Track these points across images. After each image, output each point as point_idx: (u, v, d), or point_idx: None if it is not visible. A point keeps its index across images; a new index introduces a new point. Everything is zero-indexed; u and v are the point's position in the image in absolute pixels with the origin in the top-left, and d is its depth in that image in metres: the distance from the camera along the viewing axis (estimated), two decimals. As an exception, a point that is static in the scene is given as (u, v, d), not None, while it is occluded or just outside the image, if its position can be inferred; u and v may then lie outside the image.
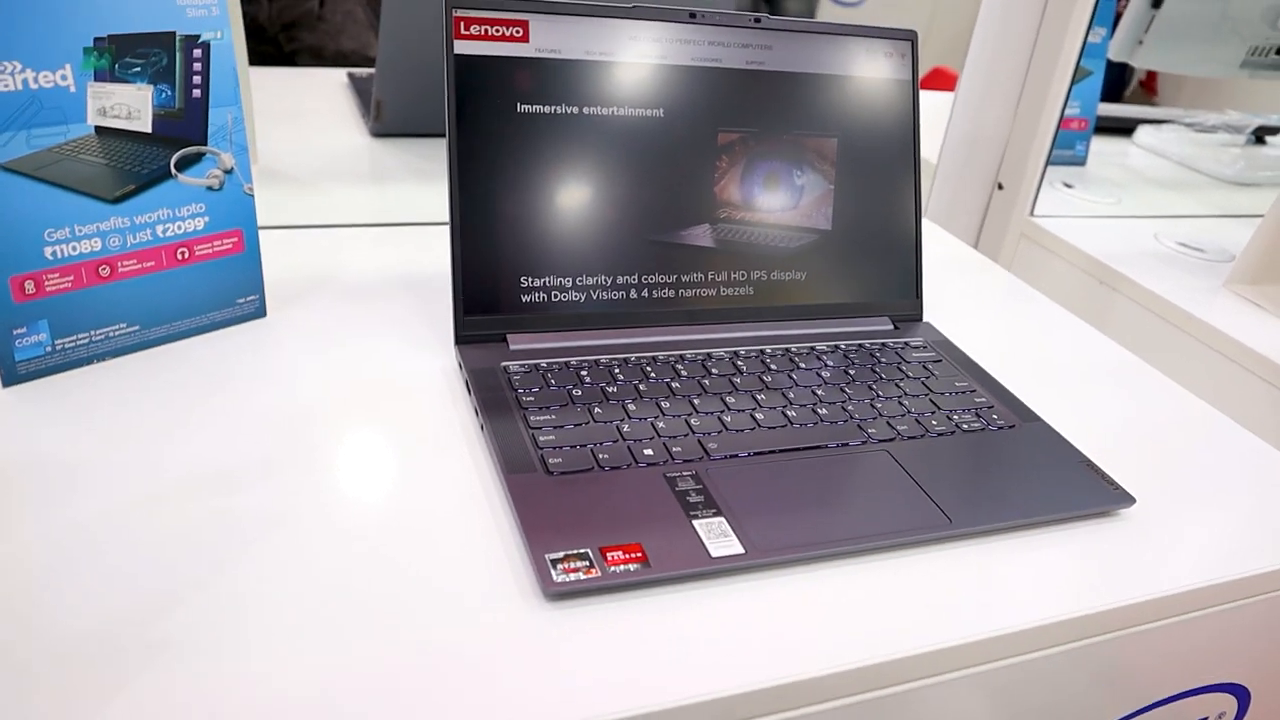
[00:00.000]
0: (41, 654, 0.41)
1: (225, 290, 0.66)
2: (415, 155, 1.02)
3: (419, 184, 0.95)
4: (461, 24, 0.64)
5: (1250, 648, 0.63)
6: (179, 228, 0.62)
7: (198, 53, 0.60)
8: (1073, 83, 1.10)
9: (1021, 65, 1.12)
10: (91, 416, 0.57)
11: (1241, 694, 0.66)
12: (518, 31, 0.65)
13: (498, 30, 0.64)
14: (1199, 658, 0.61)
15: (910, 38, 0.76)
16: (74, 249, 0.58)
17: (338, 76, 1.24)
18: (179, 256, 0.63)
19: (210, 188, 0.63)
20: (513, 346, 0.64)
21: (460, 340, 0.64)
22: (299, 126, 1.07)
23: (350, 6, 1.48)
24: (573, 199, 0.66)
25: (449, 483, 0.55)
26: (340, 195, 0.91)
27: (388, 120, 1.04)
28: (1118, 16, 1.32)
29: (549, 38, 0.66)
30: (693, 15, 0.69)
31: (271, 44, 1.48)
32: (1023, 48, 1.11)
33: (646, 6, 0.68)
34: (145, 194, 0.61)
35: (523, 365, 0.62)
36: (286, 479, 0.53)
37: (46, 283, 0.58)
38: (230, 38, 0.61)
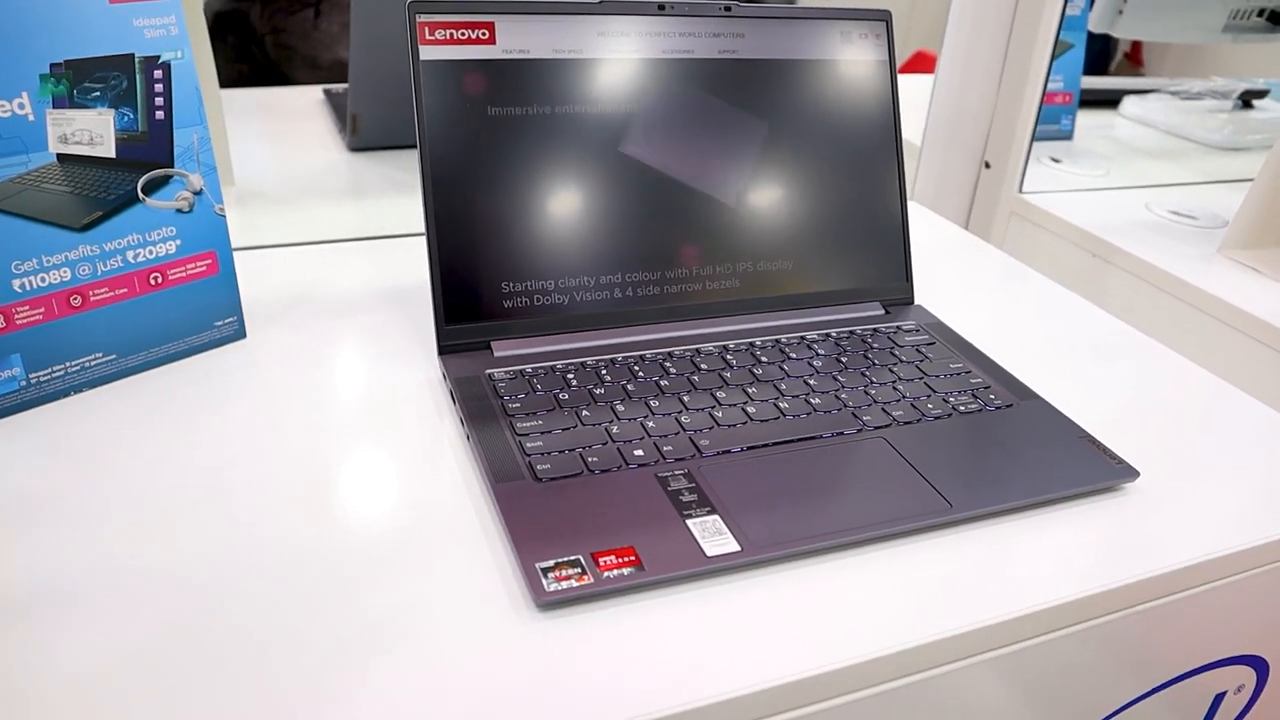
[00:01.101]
0: (33, 693, 0.40)
1: (202, 314, 0.65)
2: (393, 167, 1.01)
3: (398, 196, 0.94)
4: (426, 29, 0.63)
5: (1266, 618, 0.62)
6: (150, 252, 0.61)
7: (158, 74, 0.59)
8: (1053, 57, 1.08)
9: (1001, 42, 1.11)
10: (71, 449, 0.55)
11: (1260, 665, 0.64)
12: (483, 34, 0.64)
13: (463, 33, 0.63)
14: (1214, 631, 0.60)
15: (885, 18, 0.74)
16: (43, 280, 0.57)
17: (313, 94, 1.23)
18: (152, 282, 0.62)
19: (180, 210, 0.62)
20: (497, 353, 0.63)
21: (443, 350, 0.63)
22: (276, 145, 1.07)
23: (348, 18, 1.46)
24: (550, 200, 0.65)
25: (438, 495, 0.53)
26: (319, 212, 0.90)
27: (364, 134, 1.03)
28: (1096, -12, 1.31)
29: (516, 38, 0.64)
30: (661, 7, 0.68)
31: (258, 45, 1.45)
32: (1001, 24, 1.09)
33: (614, 1, 0.67)
34: (113, 220, 0.59)
35: (507, 372, 0.61)
36: (272, 501, 0.52)
37: (16, 316, 0.57)
38: (191, 57, 0.60)
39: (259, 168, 0.98)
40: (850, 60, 0.73)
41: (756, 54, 0.70)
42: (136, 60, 0.58)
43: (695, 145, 0.68)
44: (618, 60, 0.67)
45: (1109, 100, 1.53)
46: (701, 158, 0.69)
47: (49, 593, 0.45)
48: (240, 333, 0.67)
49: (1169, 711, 0.62)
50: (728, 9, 0.69)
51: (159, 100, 0.60)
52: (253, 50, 1.45)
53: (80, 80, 0.56)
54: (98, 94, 0.57)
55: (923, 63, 2.17)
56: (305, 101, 1.21)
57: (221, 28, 1.44)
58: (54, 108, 0.56)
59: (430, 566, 0.48)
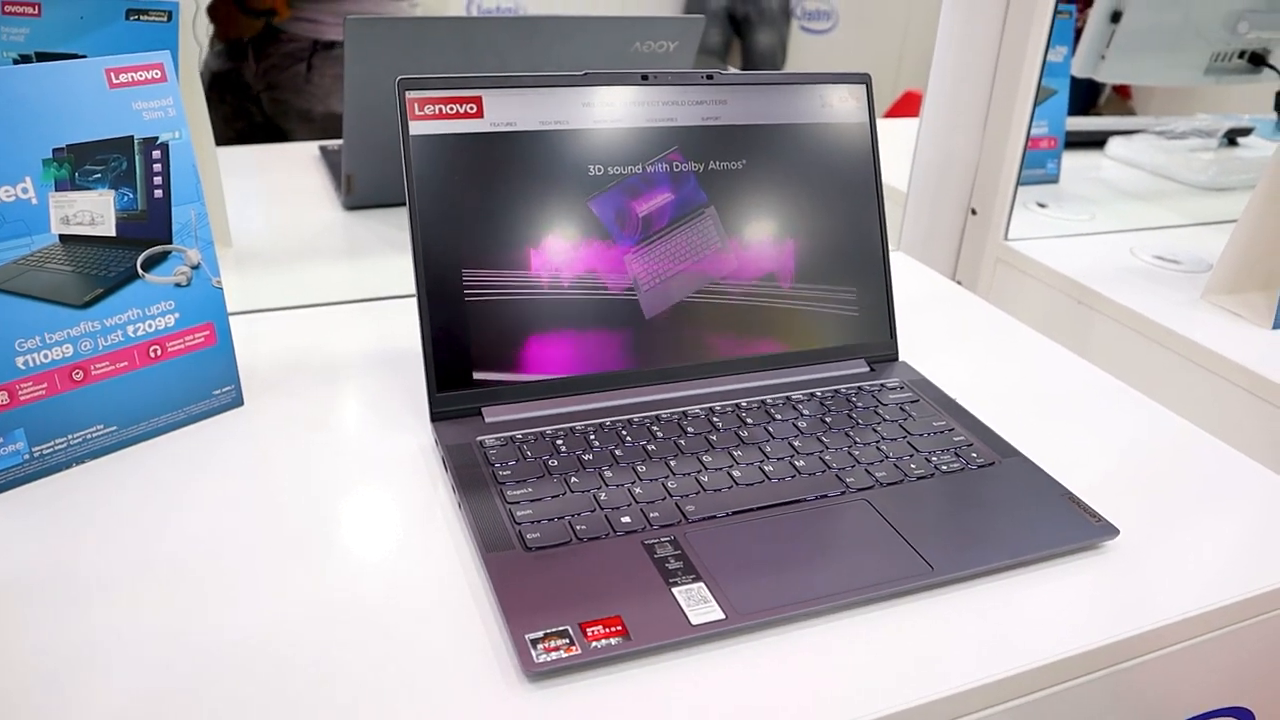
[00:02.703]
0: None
1: (200, 383, 0.66)
2: (389, 226, 1.03)
3: (393, 255, 0.96)
4: (415, 104, 0.64)
5: (1251, 670, 0.63)
6: (149, 326, 0.63)
7: (157, 154, 0.61)
8: (1036, 104, 1.10)
9: (984, 89, 1.13)
10: (72, 521, 0.57)
11: (1246, 717, 0.65)
12: (471, 108, 0.66)
13: (452, 108, 0.65)
14: (1199, 684, 0.61)
15: (865, 80, 0.76)
16: (45, 356, 0.59)
17: (309, 150, 1.25)
18: (151, 355, 0.63)
19: (178, 284, 0.64)
20: (488, 419, 0.64)
21: (435, 417, 0.64)
22: (272, 205, 1.08)
23: (339, 71, 1.49)
24: (540, 267, 0.67)
25: (429, 564, 0.55)
26: (315, 273, 0.92)
27: (359, 193, 1.05)
28: (1078, 33, 1.34)
29: (503, 111, 0.66)
30: (645, 77, 0.70)
31: (254, 102, 1.48)
32: (984, 72, 1.12)
33: (599, 73, 0.69)
34: (114, 296, 0.61)
35: (498, 439, 0.63)
36: (267, 570, 0.53)
37: (20, 392, 0.58)
38: (188, 136, 0.62)
39: (256, 227, 1.00)
40: (832, 123, 0.75)
41: (739, 120, 0.72)
42: (136, 142, 0.60)
43: (679, 212, 0.70)
44: (603, 130, 0.69)
45: (1095, 141, 1.55)
46: (686, 224, 0.70)
47: (50, 665, 0.47)
48: (238, 400, 0.69)
49: (1156, 764, 0.63)
50: (710, 77, 0.71)
51: (157, 179, 0.62)
52: (250, 108, 1.48)
53: (81, 163, 0.58)
54: (98, 175, 0.59)
55: (912, 103, 2.20)
56: (301, 158, 1.23)
57: (219, 88, 1.47)
58: (56, 190, 0.58)
59: (422, 636, 0.50)
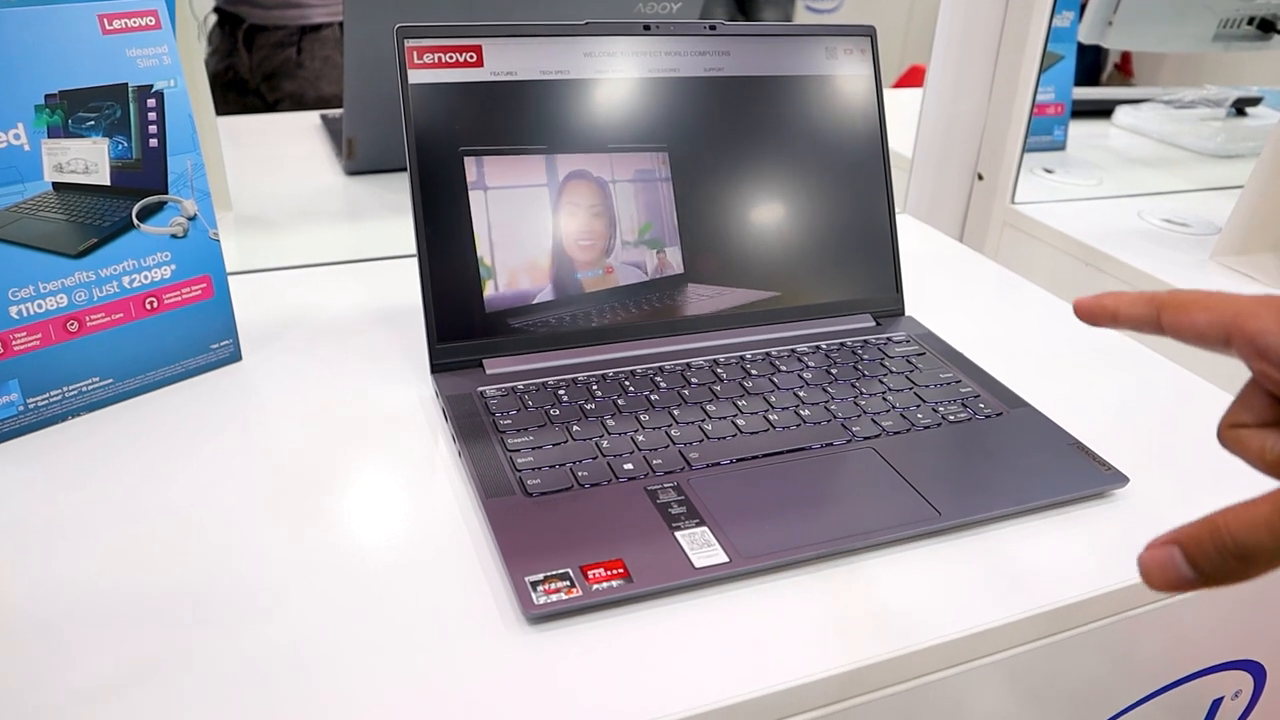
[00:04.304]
0: (31, 716, 0.41)
1: (197, 337, 0.66)
2: (389, 190, 1.02)
3: (393, 218, 0.95)
4: (414, 53, 0.64)
5: (1262, 623, 0.62)
6: (145, 277, 0.62)
7: (151, 102, 0.60)
8: (1042, 69, 1.09)
9: (990, 54, 1.11)
10: (68, 473, 0.56)
11: (1257, 670, 0.64)
12: (471, 56, 0.65)
13: (451, 57, 0.64)
14: (1209, 636, 0.60)
15: (869, 33, 0.75)
16: (40, 306, 0.58)
17: (311, 119, 1.24)
18: (148, 306, 0.63)
19: (175, 235, 0.63)
20: (489, 371, 0.64)
21: (435, 369, 0.64)
22: (274, 171, 1.08)
23: (328, 52, 1.49)
24: (541, 218, 0.66)
25: (430, 512, 0.54)
26: (316, 235, 0.91)
27: (360, 158, 1.04)
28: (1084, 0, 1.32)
29: (503, 60, 0.65)
30: (647, 27, 0.69)
31: (256, 95, 1.50)
32: (989, 37, 1.10)
33: (600, 22, 0.68)
34: (109, 246, 0.60)
35: (499, 389, 0.62)
36: (266, 520, 0.53)
37: (14, 342, 0.57)
38: (184, 85, 0.61)
39: (257, 192, 0.99)
40: (836, 75, 0.74)
41: (742, 71, 0.71)
42: (130, 89, 0.59)
43: (683, 163, 0.69)
44: (604, 80, 0.68)
45: (1103, 111, 1.54)
46: (689, 175, 0.69)
47: (46, 616, 0.46)
48: (236, 355, 0.68)
49: (1166, 717, 0.62)
50: (713, 27, 0.70)
51: (152, 128, 0.61)
52: (253, 102, 1.50)
53: (75, 110, 0.57)
54: (92, 123, 0.58)
55: (917, 77, 2.19)
56: (303, 127, 1.22)
57: (220, 88, 1.50)
58: (49, 137, 0.57)
59: (422, 582, 0.49)
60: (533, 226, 0.66)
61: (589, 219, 0.67)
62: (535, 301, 0.66)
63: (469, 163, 0.64)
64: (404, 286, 0.78)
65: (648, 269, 0.68)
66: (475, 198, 0.64)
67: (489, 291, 0.64)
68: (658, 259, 0.69)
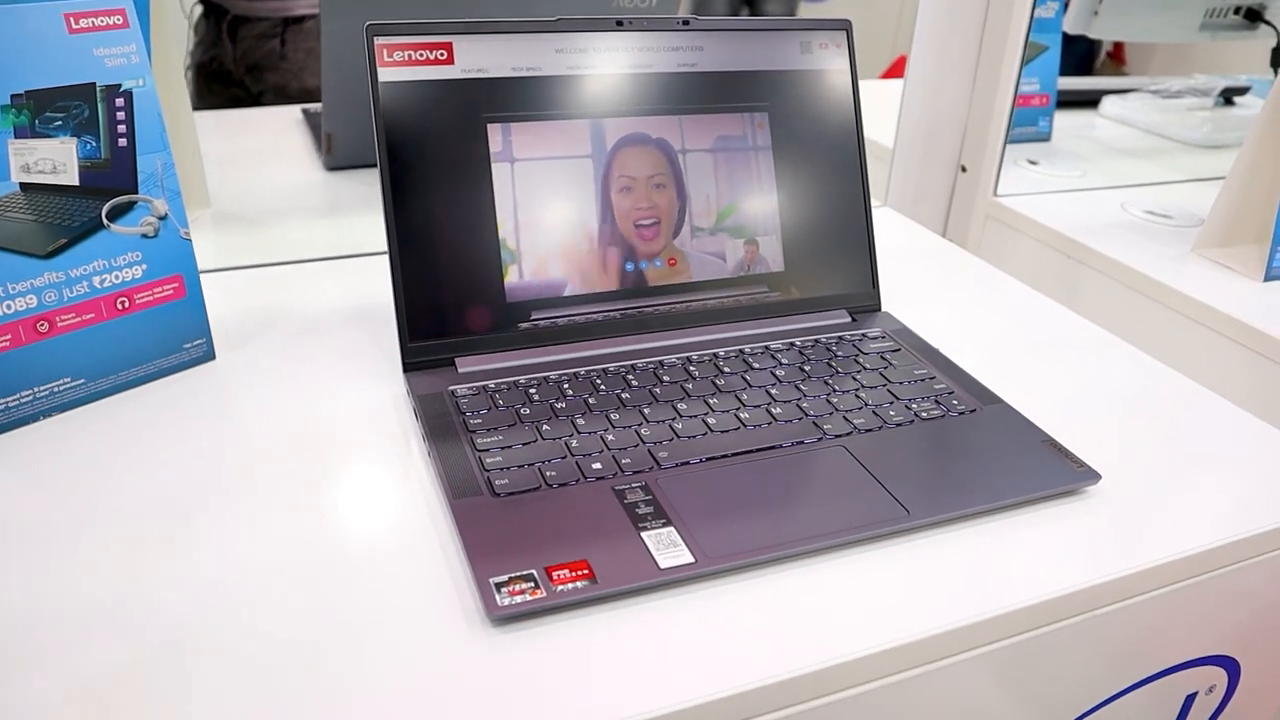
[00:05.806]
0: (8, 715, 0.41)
1: (170, 336, 0.65)
2: (368, 186, 1.01)
3: (372, 214, 0.95)
4: (384, 50, 0.63)
5: (1235, 617, 0.62)
6: (116, 277, 0.62)
7: (120, 102, 0.60)
8: (1024, 60, 1.09)
9: (972, 45, 1.11)
10: (40, 474, 0.56)
11: (1231, 665, 0.65)
12: (441, 54, 0.64)
13: (421, 54, 0.64)
14: (1182, 631, 0.60)
15: (845, 27, 0.75)
16: (8, 308, 0.58)
17: (292, 113, 1.24)
18: (119, 306, 0.62)
19: (145, 235, 0.63)
20: (461, 369, 0.64)
21: (408, 367, 0.63)
22: (253, 166, 1.07)
23: (311, 44, 1.49)
24: (512, 216, 0.66)
25: (399, 513, 0.54)
26: (293, 232, 0.91)
27: (339, 153, 1.03)
28: (1070, -10, 1.32)
29: (474, 57, 0.65)
30: (619, 23, 0.68)
31: (240, 87, 1.50)
32: (972, 27, 1.10)
33: (571, 19, 0.67)
34: (78, 247, 0.60)
35: (470, 388, 0.62)
36: (237, 522, 0.53)
37: (-17, 344, 0.57)
38: (153, 84, 0.61)
39: (236, 189, 0.99)
40: (811, 70, 0.74)
41: (716, 66, 0.71)
42: (98, 89, 0.59)
43: (653, 159, 0.69)
44: (576, 76, 0.67)
45: (1090, 101, 1.53)
46: (661, 171, 0.69)
47: (16, 619, 0.46)
48: (209, 354, 0.68)
49: (1139, 713, 0.62)
50: (685, 22, 0.70)
51: (121, 128, 0.60)
52: (237, 94, 1.49)
53: (42, 110, 0.57)
54: (59, 123, 0.58)
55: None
56: (284, 122, 1.21)
57: (205, 78, 1.49)
58: (15, 138, 0.57)
59: (388, 583, 0.49)
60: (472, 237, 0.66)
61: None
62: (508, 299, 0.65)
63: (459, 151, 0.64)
64: (379, 284, 0.78)
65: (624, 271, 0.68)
66: (436, 199, 0.64)
67: (454, 296, 0.64)
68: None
